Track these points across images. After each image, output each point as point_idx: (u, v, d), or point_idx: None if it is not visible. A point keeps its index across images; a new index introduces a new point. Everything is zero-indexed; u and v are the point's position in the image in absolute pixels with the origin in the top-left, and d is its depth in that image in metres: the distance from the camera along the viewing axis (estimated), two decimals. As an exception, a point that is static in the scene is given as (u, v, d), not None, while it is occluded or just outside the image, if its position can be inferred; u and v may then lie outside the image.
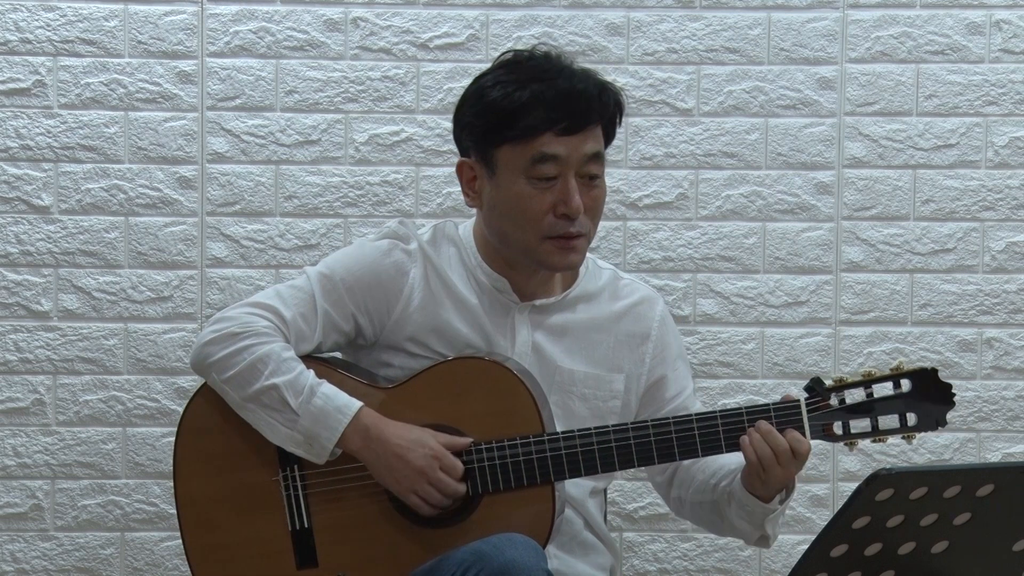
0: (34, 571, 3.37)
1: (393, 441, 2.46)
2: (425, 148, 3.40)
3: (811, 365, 3.41)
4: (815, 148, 3.41)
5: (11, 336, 3.37)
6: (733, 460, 2.56)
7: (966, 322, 3.42)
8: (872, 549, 2.02)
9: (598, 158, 2.53)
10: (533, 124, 2.47)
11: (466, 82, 3.38)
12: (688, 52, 3.41)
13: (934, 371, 2.47)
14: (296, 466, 2.52)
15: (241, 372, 2.50)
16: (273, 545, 2.52)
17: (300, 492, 2.51)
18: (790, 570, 2.05)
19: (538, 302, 2.60)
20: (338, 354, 2.67)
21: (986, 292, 3.41)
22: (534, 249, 2.52)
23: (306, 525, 2.51)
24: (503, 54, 2.60)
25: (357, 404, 2.48)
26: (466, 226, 2.65)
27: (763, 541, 2.57)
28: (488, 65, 3.38)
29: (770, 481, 2.45)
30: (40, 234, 3.37)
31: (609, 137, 2.56)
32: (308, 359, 2.56)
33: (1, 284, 3.37)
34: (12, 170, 3.37)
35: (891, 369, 2.48)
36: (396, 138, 3.40)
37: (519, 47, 3.38)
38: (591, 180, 2.52)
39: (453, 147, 3.39)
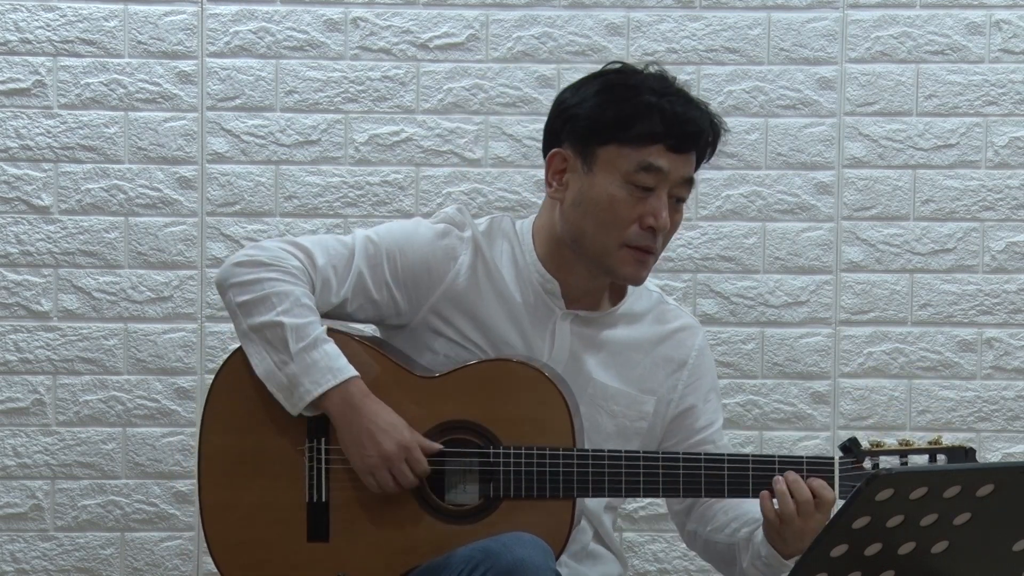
0: (34, 571, 3.37)
1: (369, 417, 2.46)
2: (425, 148, 3.40)
3: (811, 365, 3.41)
4: (815, 148, 3.41)
5: (11, 336, 3.37)
6: (756, 509, 2.56)
7: (966, 322, 3.42)
8: (872, 549, 2.02)
9: (690, 184, 2.54)
10: (650, 132, 2.47)
11: (466, 82, 3.41)
12: (688, 52, 3.41)
13: (972, 451, 2.48)
14: (324, 439, 2.52)
15: (255, 300, 2.51)
16: (287, 513, 2.52)
17: (323, 465, 2.52)
18: (790, 570, 2.05)
19: (582, 312, 2.60)
20: (377, 333, 2.68)
21: (986, 292, 3.42)
22: (610, 253, 2.51)
23: (323, 499, 2.52)
24: (611, 63, 2.60)
25: (352, 372, 2.48)
26: (524, 223, 2.64)
27: None
28: (489, 65, 3.40)
29: (788, 535, 2.43)
30: (40, 234, 3.37)
31: (697, 168, 2.57)
32: (351, 337, 2.56)
33: (1, 284, 3.37)
34: (12, 170, 3.37)
35: (929, 442, 2.48)
36: (396, 138, 3.40)
37: (519, 47, 3.39)
38: (677, 203, 2.53)
39: (453, 147, 3.41)
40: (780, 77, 3.41)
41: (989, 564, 2.08)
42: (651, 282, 2.72)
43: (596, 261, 2.54)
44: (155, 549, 3.38)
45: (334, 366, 2.48)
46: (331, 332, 2.54)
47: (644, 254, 2.52)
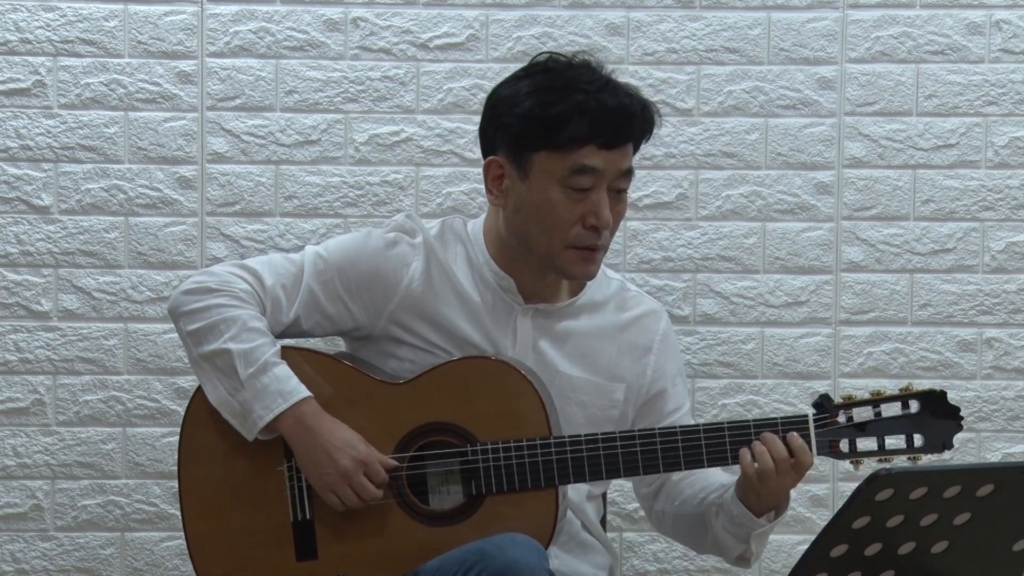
0: (34, 571, 3.37)
1: (323, 436, 2.47)
2: (425, 148, 3.40)
3: (811, 365, 3.41)
4: (815, 148, 3.41)
5: (11, 336, 3.37)
6: (724, 477, 2.58)
7: (966, 322, 3.42)
8: (872, 549, 2.02)
9: (629, 174, 2.55)
10: (577, 135, 2.46)
11: (466, 82, 3.41)
12: (688, 52, 3.41)
13: (943, 393, 2.48)
14: None
15: (203, 328, 2.52)
16: (274, 535, 2.52)
17: (304, 483, 2.52)
18: (790, 570, 2.05)
19: (542, 306, 2.61)
20: (343, 348, 2.68)
21: (986, 292, 3.42)
22: (556, 256, 2.52)
23: (308, 517, 2.52)
24: (538, 55, 2.59)
25: (303, 394, 2.49)
26: (475, 223, 2.64)
27: (743, 560, 2.57)
28: (489, 65, 3.40)
29: (764, 492, 2.45)
30: (40, 234, 3.37)
31: (635, 152, 2.57)
32: (315, 354, 2.55)
33: (1, 284, 3.37)
34: (12, 170, 3.37)
35: (900, 389, 2.48)
36: (396, 138, 3.40)
37: (519, 47, 3.39)
38: (618, 194, 2.54)
39: (453, 147, 3.41)
40: (780, 77, 3.41)
41: (989, 564, 2.08)
42: (612, 271, 2.73)
43: (544, 263, 2.55)
44: (155, 549, 3.38)
45: (284, 389, 2.48)
46: (291, 350, 2.55)
47: (590, 252, 2.53)
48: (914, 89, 3.41)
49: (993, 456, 3.41)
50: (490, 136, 2.57)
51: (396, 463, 2.49)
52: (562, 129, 2.47)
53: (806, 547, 2.03)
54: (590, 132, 2.47)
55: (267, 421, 2.47)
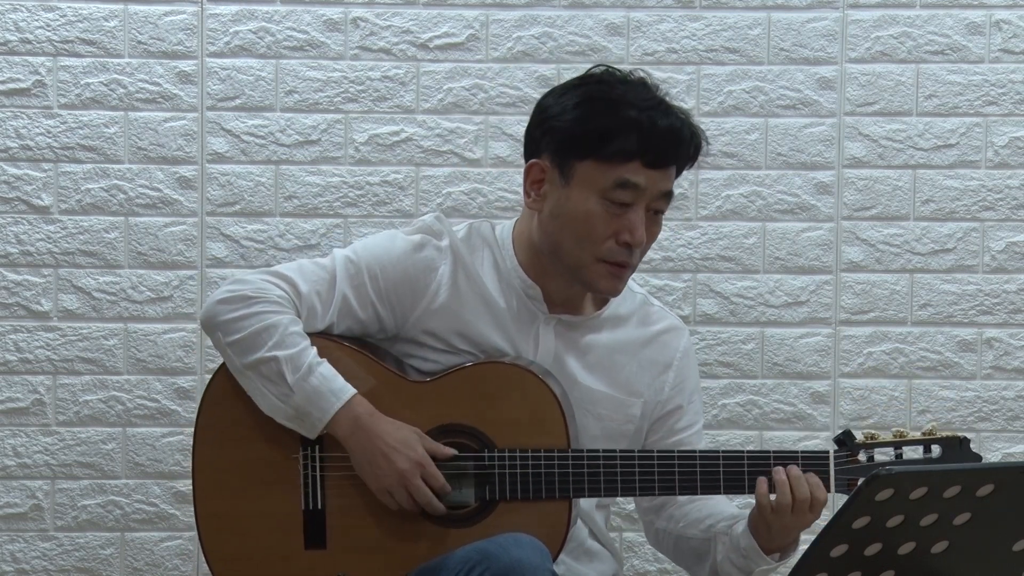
0: (34, 571, 3.37)
1: (381, 437, 2.47)
2: (425, 148, 3.40)
3: (811, 365, 3.41)
4: (815, 148, 3.41)
5: (11, 336, 3.37)
6: (732, 508, 2.59)
7: (966, 322, 3.42)
8: (872, 549, 2.02)
9: (670, 196, 2.54)
10: (626, 149, 2.46)
11: (466, 82, 3.41)
12: (688, 52, 3.41)
13: (966, 440, 2.49)
14: (318, 446, 2.52)
15: (245, 338, 2.50)
16: (283, 522, 2.52)
17: (318, 472, 2.52)
18: (790, 570, 2.05)
19: (565, 317, 2.60)
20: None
21: (986, 292, 3.42)
22: (585, 268, 2.51)
23: (319, 506, 2.52)
24: (594, 67, 2.58)
25: (351, 391, 2.48)
26: (504, 227, 2.63)
27: None
28: (489, 65, 3.40)
29: (776, 526, 2.44)
30: (40, 234, 3.37)
31: (677, 176, 2.57)
32: (340, 344, 2.56)
33: (1, 284, 3.37)
34: (12, 170, 3.37)
35: (923, 433, 2.49)
36: (396, 138, 3.40)
37: (519, 47, 3.39)
38: (655, 215, 2.53)
39: (453, 147, 3.41)
40: (780, 77, 3.41)
41: (989, 564, 2.08)
42: (637, 284, 2.72)
43: (572, 273, 2.54)
44: (155, 549, 3.38)
45: (334, 387, 2.48)
46: (321, 340, 2.54)
47: (619, 268, 2.52)
48: (914, 89, 3.41)
49: (993, 456, 3.41)
50: (536, 138, 2.55)
51: (453, 451, 2.48)
52: (611, 141, 2.46)
53: (806, 547, 2.03)
54: (638, 148, 2.46)
55: (326, 423, 2.48)
